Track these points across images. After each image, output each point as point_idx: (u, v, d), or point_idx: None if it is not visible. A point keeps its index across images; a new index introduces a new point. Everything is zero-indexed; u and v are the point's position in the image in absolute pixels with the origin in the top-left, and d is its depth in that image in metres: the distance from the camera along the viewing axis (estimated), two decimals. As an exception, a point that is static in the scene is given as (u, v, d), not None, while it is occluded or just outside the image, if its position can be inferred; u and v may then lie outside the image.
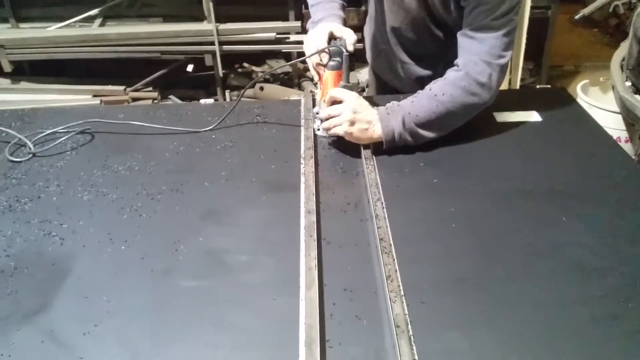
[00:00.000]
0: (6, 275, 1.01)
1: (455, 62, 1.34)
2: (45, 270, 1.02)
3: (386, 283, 0.94)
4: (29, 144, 1.40)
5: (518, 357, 0.83)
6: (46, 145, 1.41)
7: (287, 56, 3.65)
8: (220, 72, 3.49)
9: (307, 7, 1.59)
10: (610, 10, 3.56)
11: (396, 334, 0.84)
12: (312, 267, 0.97)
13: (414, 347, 0.83)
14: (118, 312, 0.92)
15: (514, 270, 0.99)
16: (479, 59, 1.30)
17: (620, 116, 2.45)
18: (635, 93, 2.26)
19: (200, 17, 3.43)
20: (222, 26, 3.34)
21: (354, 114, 1.28)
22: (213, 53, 3.40)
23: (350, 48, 1.35)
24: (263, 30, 3.37)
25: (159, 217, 1.15)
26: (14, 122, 1.54)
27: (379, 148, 1.32)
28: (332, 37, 1.40)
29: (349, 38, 1.37)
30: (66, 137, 1.44)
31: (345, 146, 1.34)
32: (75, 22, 3.47)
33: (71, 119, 1.50)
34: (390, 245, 1.03)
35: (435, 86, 1.32)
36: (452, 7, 1.38)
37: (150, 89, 3.54)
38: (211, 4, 3.26)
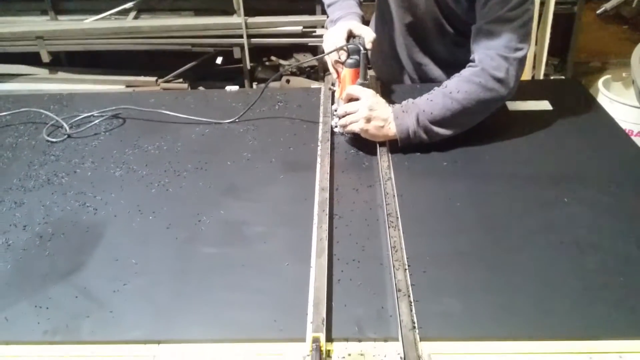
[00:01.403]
0: (45, 239, 1.11)
1: (472, 57, 1.34)
2: (79, 236, 1.12)
3: (391, 253, 1.01)
4: (65, 125, 1.50)
5: (510, 319, 0.89)
6: (81, 127, 1.52)
7: (314, 50, 3.72)
8: (248, 64, 3.58)
9: None
10: (634, 5, 3.53)
11: (397, 297, 0.91)
12: (323, 238, 1.05)
13: (413, 309, 0.90)
14: (144, 274, 1.01)
15: (513, 245, 1.04)
16: (495, 54, 1.28)
17: (641, 111, 2.45)
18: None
19: (229, 11, 3.53)
20: (251, 20, 3.42)
21: (370, 111, 1.30)
22: (241, 46, 3.49)
23: (369, 46, 1.36)
24: (290, 23, 3.44)
25: (184, 191, 1.24)
26: (53, 105, 1.65)
27: (394, 146, 1.33)
28: (350, 35, 1.41)
29: (367, 36, 1.38)
30: (100, 119, 1.54)
31: (362, 143, 1.36)
32: (110, 14, 3.60)
33: (106, 104, 1.61)
34: (397, 219, 1.10)
35: (450, 83, 1.32)
36: None
37: (181, 80, 3.65)
38: (240, -2, 3.35)
